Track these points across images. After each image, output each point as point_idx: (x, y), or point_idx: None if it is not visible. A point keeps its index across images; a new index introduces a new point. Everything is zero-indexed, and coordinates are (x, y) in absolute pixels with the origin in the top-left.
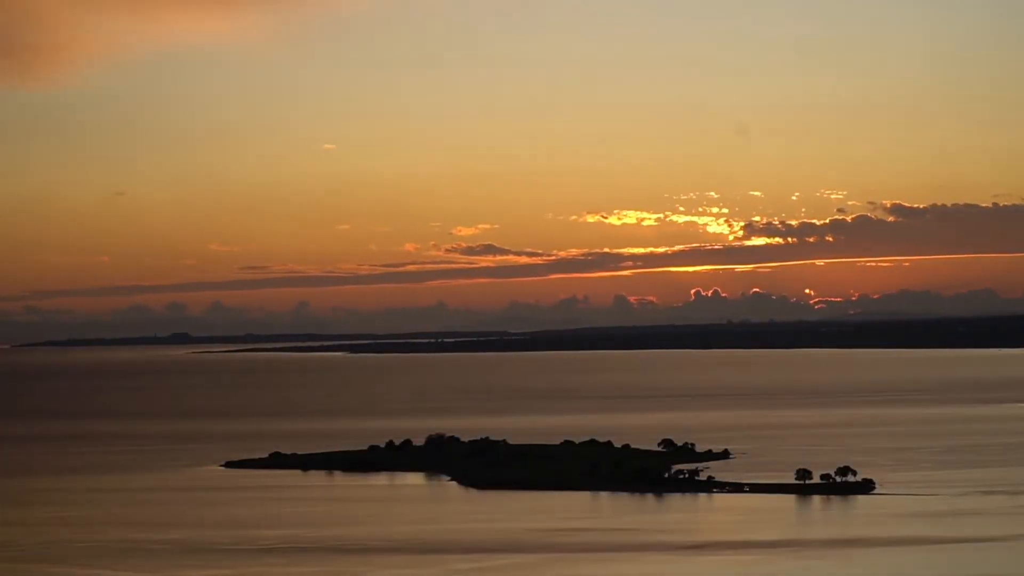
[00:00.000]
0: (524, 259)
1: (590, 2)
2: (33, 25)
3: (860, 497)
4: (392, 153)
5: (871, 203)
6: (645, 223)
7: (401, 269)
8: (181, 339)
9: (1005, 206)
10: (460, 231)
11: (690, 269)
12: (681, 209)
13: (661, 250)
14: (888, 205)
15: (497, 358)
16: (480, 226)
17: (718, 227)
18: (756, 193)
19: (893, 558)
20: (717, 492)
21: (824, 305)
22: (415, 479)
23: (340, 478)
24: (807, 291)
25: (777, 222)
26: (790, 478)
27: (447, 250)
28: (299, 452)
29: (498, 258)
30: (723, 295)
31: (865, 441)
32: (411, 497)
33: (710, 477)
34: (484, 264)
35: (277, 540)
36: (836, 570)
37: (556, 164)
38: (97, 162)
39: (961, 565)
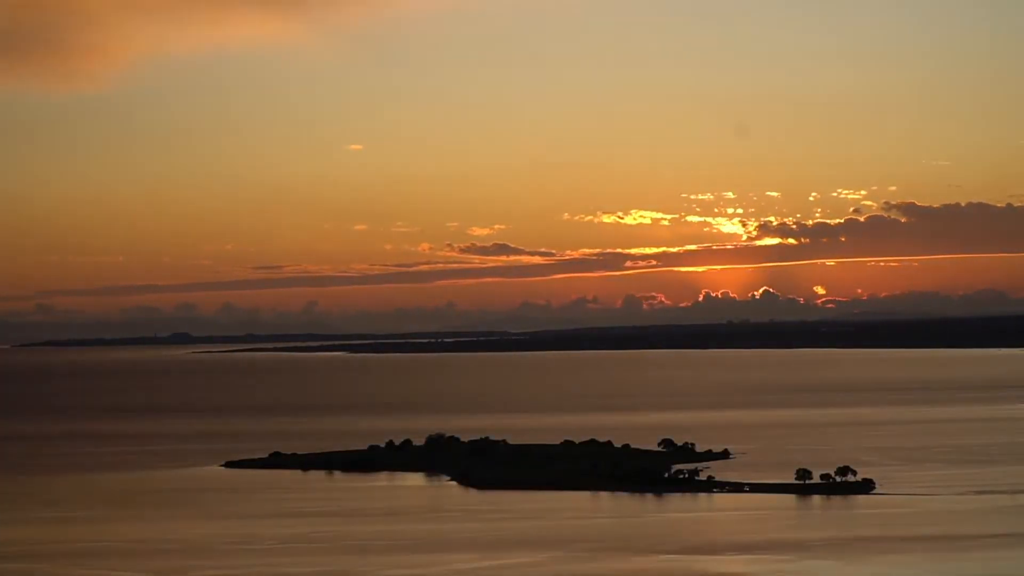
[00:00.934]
0: (536, 259)
1: (605, 1)
2: (71, 26)
3: (860, 497)
4: (417, 154)
5: (887, 203)
6: (661, 223)
7: (412, 269)
8: (182, 339)
9: (1019, 207)
10: (475, 231)
11: (699, 269)
12: (697, 209)
13: (674, 250)
14: (902, 205)
15: (496, 358)
16: (496, 226)
17: (732, 227)
18: (773, 194)
19: (892, 558)
20: (717, 492)
21: (833, 305)
22: (415, 479)
23: (340, 478)
24: (816, 291)
25: (792, 223)
26: (790, 478)
27: (461, 250)
28: (299, 452)
29: (511, 258)
30: (732, 295)
31: (866, 441)
32: (411, 497)
33: (710, 477)
34: (496, 264)
35: (277, 540)
36: (835, 570)
37: (573, 164)
38: (124, 162)
39: (960, 565)
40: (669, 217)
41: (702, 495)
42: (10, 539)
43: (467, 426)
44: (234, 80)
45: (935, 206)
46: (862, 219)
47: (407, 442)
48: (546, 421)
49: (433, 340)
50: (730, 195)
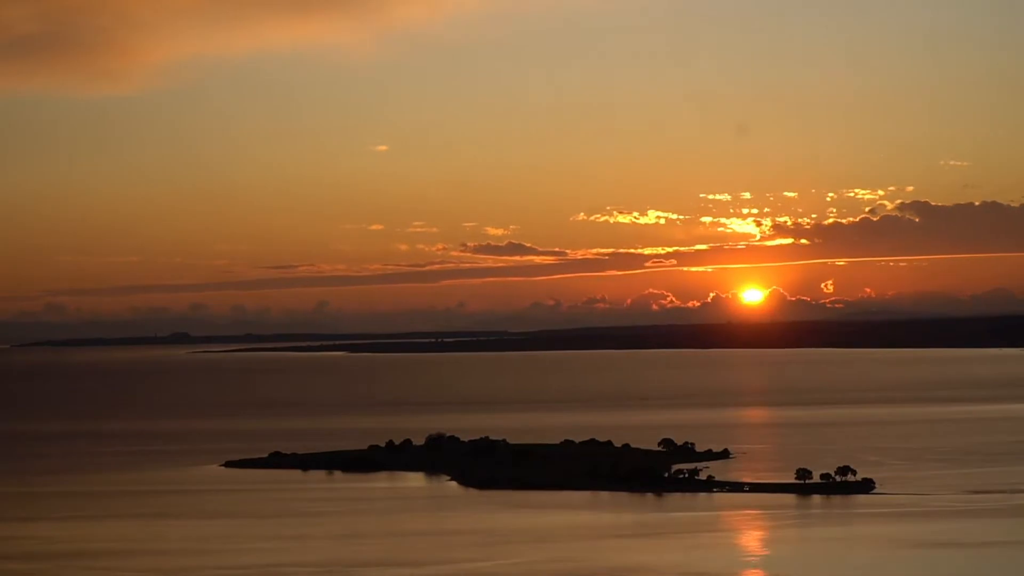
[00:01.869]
0: (548, 259)
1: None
2: (108, 28)
3: (860, 496)
4: (440, 155)
5: (901, 203)
6: (677, 223)
7: (422, 269)
8: (181, 339)
9: None
10: (490, 231)
11: (707, 268)
12: (713, 209)
13: (684, 250)
14: (916, 205)
15: (496, 358)
16: (511, 227)
17: (746, 227)
18: (791, 194)
19: (891, 558)
20: (717, 492)
21: (842, 305)
22: (415, 479)
23: (340, 478)
24: (825, 291)
25: (807, 223)
26: (790, 477)
27: (474, 250)
28: (299, 452)
29: (524, 258)
30: (741, 295)
31: (867, 441)
32: (411, 496)
33: (710, 477)
34: (507, 264)
35: (277, 540)
36: (835, 570)
37: (590, 164)
38: (148, 163)
39: (959, 565)
40: (685, 217)
41: (702, 495)
42: (9, 539)
43: (467, 426)
44: (266, 82)
45: (948, 205)
46: (876, 219)
47: (407, 442)
48: (546, 421)
49: (433, 340)
50: (747, 195)
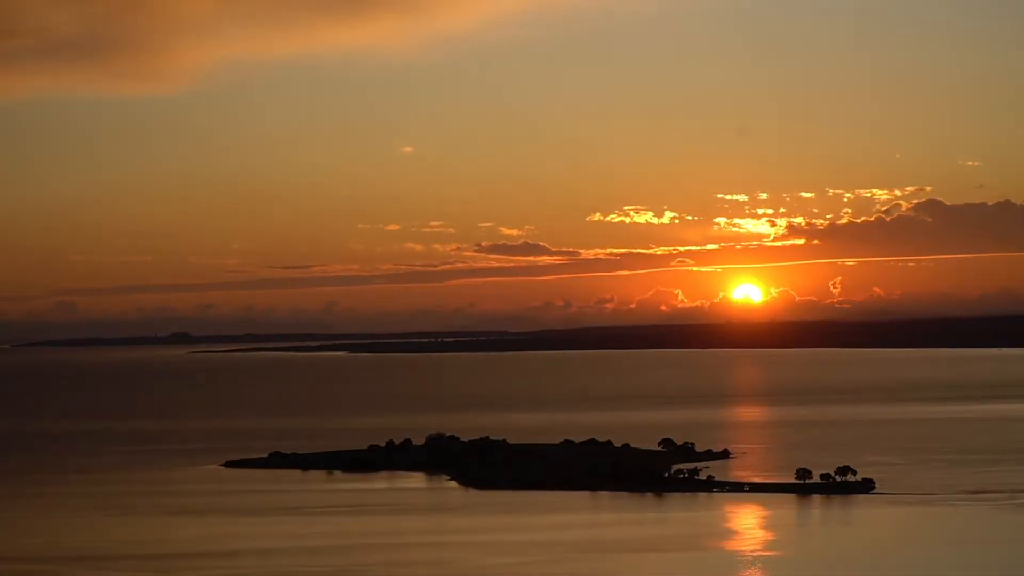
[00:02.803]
0: (560, 259)
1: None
2: (148, 30)
3: (860, 496)
4: (464, 155)
5: (917, 203)
6: (692, 223)
7: (431, 269)
8: (181, 339)
9: None
10: (505, 231)
11: (715, 268)
12: (729, 210)
13: (697, 249)
14: (929, 204)
15: (496, 357)
16: (527, 227)
17: (760, 227)
18: (808, 194)
19: (890, 557)
20: (717, 492)
21: (849, 305)
22: (415, 479)
23: (340, 477)
24: (832, 290)
25: (821, 223)
26: (790, 477)
27: (487, 250)
28: (299, 451)
29: (537, 258)
30: (748, 296)
31: (867, 440)
32: (411, 496)
33: (710, 477)
34: (517, 264)
35: (277, 539)
36: (834, 569)
37: (608, 164)
38: (172, 164)
39: (958, 565)
40: (700, 217)
41: (702, 495)
42: (9, 539)
43: (467, 426)
44: (300, 84)
45: (960, 204)
46: (889, 219)
47: (407, 442)
48: (546, 421)
49: (433, 340)
50: (764, 196)
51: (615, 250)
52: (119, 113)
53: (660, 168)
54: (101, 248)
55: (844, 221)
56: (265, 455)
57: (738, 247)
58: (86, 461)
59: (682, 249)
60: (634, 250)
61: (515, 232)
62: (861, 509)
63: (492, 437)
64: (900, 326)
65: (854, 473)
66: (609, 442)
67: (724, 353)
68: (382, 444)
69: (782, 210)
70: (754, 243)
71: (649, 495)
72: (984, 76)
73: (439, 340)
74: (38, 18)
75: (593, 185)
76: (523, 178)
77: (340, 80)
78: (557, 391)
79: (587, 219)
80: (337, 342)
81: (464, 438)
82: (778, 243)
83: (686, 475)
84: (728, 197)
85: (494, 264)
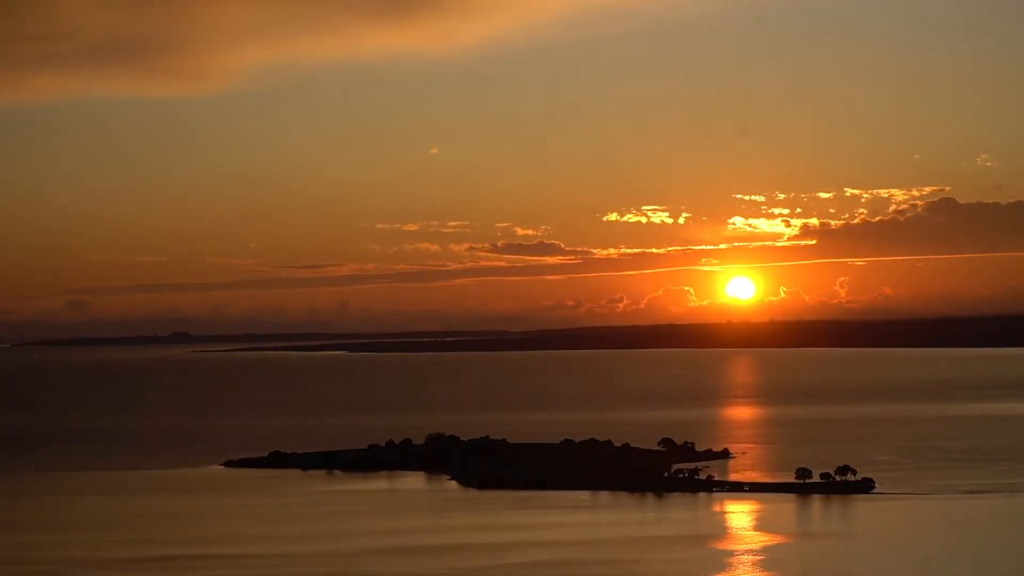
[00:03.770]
0: (571, 259)
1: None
2: (184, 33)
3: (860, 496)
4: (487, 156)
5: (931, 203)
6: (708, 224)
7: (442, 268)
8: (181, 339)
9: None
10: (520, 231)
11: (727, 269)
12: (745, 209)
13: (709, 248)
14: (943, 204)
15: (496, 357)
16: (543, 227)
17: (774, 228)
18: (826, 195)
19: (890, 557)
20: (717, 491)
21: (857, 305)
22: (415, 478)
23: (340, 477)
24: (841, 290)
25: (836, 223)
26: (790, 477)
27: (502, 249)
28: (299, 451)
29: (552, 258)
30: (759, 295)
31: (868, 440)
32: (411, 496)
33: (710, 476)
34: (526, 263)
35: (277, 539)
36: (834, 569)
37: (626, 164)
38: (197, 165)
39: (958, 564)
40: (717, 218)
41: (702, 495)
42: (7, 538)
43: (467, 425)
44: (335, 87)
45: (973, 203)
46: (903, 219)
47: (407, 441)
48: (546, 420)
49: (434, 340)
50: (781, 196)
51: (628, 250)
52: (153, 115)
53: (681, 168)
54: (119, 248)
55: (857, 221)
56: (265, 455)
57: (751, 247)
58: (84, 460)
59: (696, 248)
60: (648, 250)
61: (531, 232)
62: (861, 509)
63: (492, 437)
64: (906, 326)
65: (854, 473)
66: (609, 442)
67: (726, 353)
68: (382, 444)
69: (798, 210)
70: (768, 243)
71: (649, 495)
72: (1006, 77)
73: (439, 340)
74: (79, 22)
75: (613, 185)
76: (542, 178)
77: (375, 83)
78: (557, 391)
79: (604, 219)
80: (337, 342)
81: (464, 438)
82: (790, 243)
83: (686, 475)
84: (746, 197)
85: (504, 264)
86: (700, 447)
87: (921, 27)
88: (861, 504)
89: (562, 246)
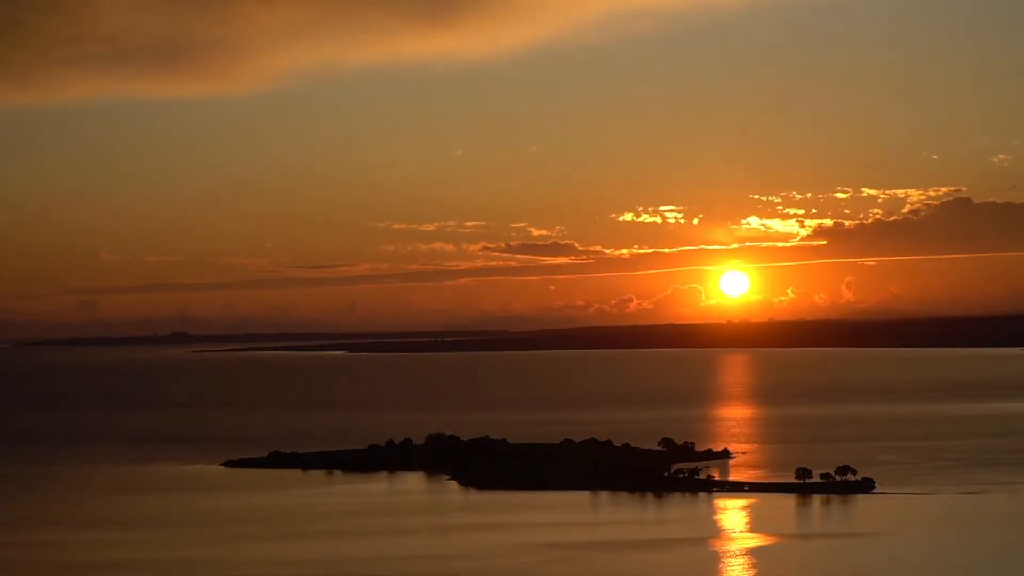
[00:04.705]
0: (582, 259)
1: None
2: (224, 36)
3: (860, 496)
4: (507, 156)
5: (944, 203)
6: (722, 223)
7: (451, 268)
8: (181, 339)
9: None
10: (535, 231)
11: (733, 268)
12: (760, 209)
13: (721, 248)
14: (957, 203)
15: (496, 357)
16: (557, 227)
17: (787, 228)
18: (842, 195)
19: (889, 557)
20: (717, 491)
21: (865, 305)
22: (415, 478)
23: (340, 477)
24: (849, 290)
25: (850, 224)
26: (790, 477)
27: (516, 249)
28: (299, 451)
29: (562, 258)
30: (768, 295)
31: (868, 440)
32: (411, 496)
33: (710, 477)
34: (542, 263)
35: (277, 539)
36: (834, 569)
37: (643, 165)
38: (217, 165)
39: (957, 564)
40: (731, 217)
41: (702, 495)
42: (6, 537)
43: (467, 425)
44: (367, 89)
45: (986, 203)
46: (916, 219)
47: (407, 441)
48: (546, 420)
49: (434, 340)
50: (798, 196)
51: (639, 250)
52: (177, 116)
53: (697, 168)
54: (133, 248)
55: (871, 221)
56: (265, 455)
57: (761, 247)
58: (84, 460)
59: (707, 249)
60: (660, 250)
61: (545, 232)
62: (861, 509)
63: (492, 437)
64: (913, 325)
65: (854, 473)
66: (609, 442)
67: (729, 353)
68: (382, 444)
69: (814, 211)
70: (779, 244)
71: (649, 495)
72: None
73: (440, 340)
74: (117, 24)
75: (632, 185)
76: (561, 177)
77: (409, 86)
78: (557, 391)
79: (620, 219)
80: (338, 342)
81: (464, 437)
82: (803, 243)
83: (686, 475)
84: (763, 198)
85: (516, 264)
86: (700, 447)
87: (941, 27)
88: (861, 504)
89: (576, 246)
